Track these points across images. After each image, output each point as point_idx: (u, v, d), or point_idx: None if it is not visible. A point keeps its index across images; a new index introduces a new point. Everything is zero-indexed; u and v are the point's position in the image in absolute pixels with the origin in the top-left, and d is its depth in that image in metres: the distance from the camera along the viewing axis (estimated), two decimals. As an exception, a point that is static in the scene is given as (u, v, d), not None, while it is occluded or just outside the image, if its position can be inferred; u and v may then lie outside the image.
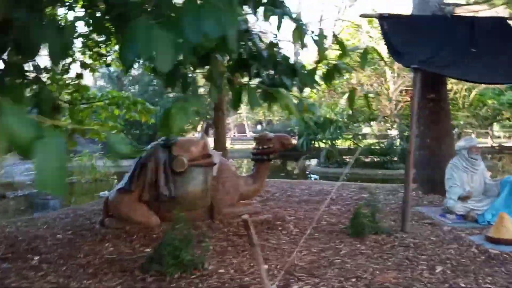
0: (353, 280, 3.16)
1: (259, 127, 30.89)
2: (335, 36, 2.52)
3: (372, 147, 11.29)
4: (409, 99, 12.41)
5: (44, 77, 5.07)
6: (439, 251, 3.69)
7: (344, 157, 11.52)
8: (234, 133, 31.02)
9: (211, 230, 4.66)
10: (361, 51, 2.29)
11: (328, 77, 2.30)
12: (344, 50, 2.23)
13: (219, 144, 7.23)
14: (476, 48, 4.96)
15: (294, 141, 5.24)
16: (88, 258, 3.86)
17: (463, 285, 2.98)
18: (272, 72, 2.59)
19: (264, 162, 5.25)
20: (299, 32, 2.05)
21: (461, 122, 11.93)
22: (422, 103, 6.08)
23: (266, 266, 3.24)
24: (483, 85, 11.50)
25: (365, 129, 13.76)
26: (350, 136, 11.87)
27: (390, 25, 5.34)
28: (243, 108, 27.57)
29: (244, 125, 33.19)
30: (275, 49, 2.52)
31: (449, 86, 11.87)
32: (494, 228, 3.79)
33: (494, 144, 19.84)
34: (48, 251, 4.14)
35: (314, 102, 2.99)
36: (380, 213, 4.40)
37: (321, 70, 2.70)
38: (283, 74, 2.47)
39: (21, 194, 10.16)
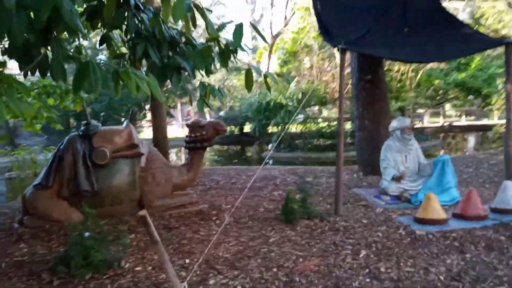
0: (274, 270, 3.02)
1: (221, 113, 30.47)
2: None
3: (323, 130, 11.30)
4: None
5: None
6: (368, 234, 3.62)
7: (296, 141, 11.46)
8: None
9: (139, 224, 4.39)
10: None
11: (223, 59, 2.07)
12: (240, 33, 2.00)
13: (159, 133, 6.90)
14: (408, 27, 4.90)
15: (226, 127, 4.97)
16: (-5, 262, 3.51)
17: (383, 270, 2.90)
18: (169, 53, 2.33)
19: (198, 150, 5.00)
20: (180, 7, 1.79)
21: (407, 103, 12.14)
22: (360, 84, 6.03)
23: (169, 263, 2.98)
24: (429, 66, 11.78)
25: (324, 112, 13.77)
26: (301, 120, 11.81)
27: (323, 4, 5.19)
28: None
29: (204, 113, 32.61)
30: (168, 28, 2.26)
31: (396, 67, 12.05)
32: (422, 208, 3.76)
33: (445, 124, 20.60)
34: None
35: (219, 87, 2.76)
36: (311, 198, 4.28)
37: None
38: (180, 55, 2.21)
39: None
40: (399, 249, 3.25)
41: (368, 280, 2.77)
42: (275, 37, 19.19)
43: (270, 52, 18.21)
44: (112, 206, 4.52)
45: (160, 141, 6.90)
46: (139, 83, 1.46)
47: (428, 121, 22.69)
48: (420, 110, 19.31)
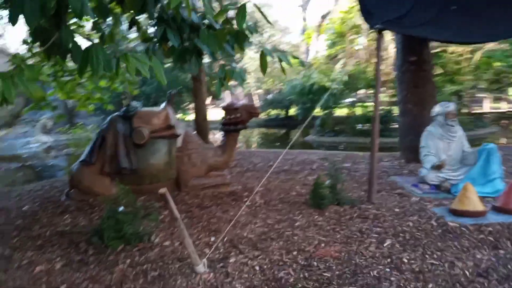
0: (294, 253, 3.03)
1: (269, 96, 30.40)
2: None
3: (369, 114, 10.91)
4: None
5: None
6: (397, 223, 3.50)
7: (341, 126, 11.19)
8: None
9: (175, 202, 4.57)
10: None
11: (238, 42, 2.07)
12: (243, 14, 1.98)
13: (200, 115, 7.07)
14: (457, 4, 4.54)
15: (260, 110, 4.97)
16: (41, 230, 3.84)
17: (405, 260, 2.81)
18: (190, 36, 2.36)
19: (232, 132, 5.07)
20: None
21: (463, 87, 11.27)
22: (404, 66, 5.74)
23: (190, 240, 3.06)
24: (490, 46, 10.84)
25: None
26: (348, 104, 11.46)
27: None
28: (252, 78, 27.15)
29: (251, 95, 32.74)
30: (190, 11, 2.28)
31: (451, 48, 11.24)
32: (457, 199, 3.56)
33: (510, 109, 19.08)
34: (6, 223, 4.15)
35: (241, 69, 2.73)
36: (343, 184, 4.20)
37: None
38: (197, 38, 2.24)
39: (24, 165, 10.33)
40: (428, 241, 3.12)
41: (388, 270, 2.70)
42: (323, 17, 18.64)
43: (318, 33, 17.76)
44: (151, 183, 4.74)
45: (200, 123, 7.08)
46: (138, 66, 1.51)
47: (490, 107, 21.15)
48: (480, 95, 18.02)
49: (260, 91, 32.58)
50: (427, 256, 2.87)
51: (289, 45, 31.05)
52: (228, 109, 5.00)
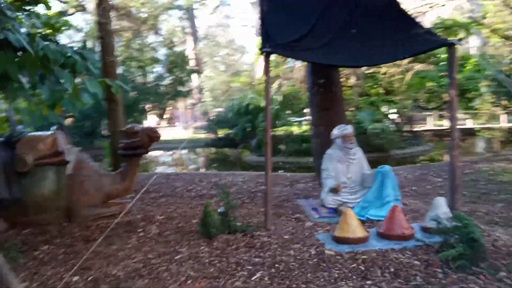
0: (157, 293, 2.79)
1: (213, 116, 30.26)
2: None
3: (305, 134, 10.97)
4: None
5: None
6: (279, 253, 3.34)
7: (281, 145, 11.16)
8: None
9: (61, 234, 4.22)
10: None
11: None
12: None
13: (115, 139, 6.75)
14: (357, 28, 4.60)
15: (160, 134, 4.76)
16: None
17: (266, 296, 2.64)
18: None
19: (132, 157, 4.81)
20: None
21: (398, 106, 11.63)
22: (314, 89, 5.74)
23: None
24: (420, 67, 11.30)
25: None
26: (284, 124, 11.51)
27: (270, 3, 4.91)
28: (208, 96, 26.98)
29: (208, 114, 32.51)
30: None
31: (383, 70, 11.60)
32: (339, 225, 3.47)
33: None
34: None
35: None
36: (236, 210, 4.03)
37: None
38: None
39: None
40: (299, 272, 2.97)
41: (242, 308, 2.51)
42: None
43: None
44: (37, 214, 4.38)
45: (117, 147, 6.74)
46: None
47: (434, 124, 21.87)
48: (427, 113, 18.72)
49: (219, 109, 32.37)
50: (291, 290, 2.72)
51: (246, 64, 31.30)
52: (128, 132, 4.76)
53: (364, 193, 4.40)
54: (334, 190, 4.39)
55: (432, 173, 6.77)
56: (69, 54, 2.37)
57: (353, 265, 3.01)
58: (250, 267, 3.11)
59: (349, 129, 4.56)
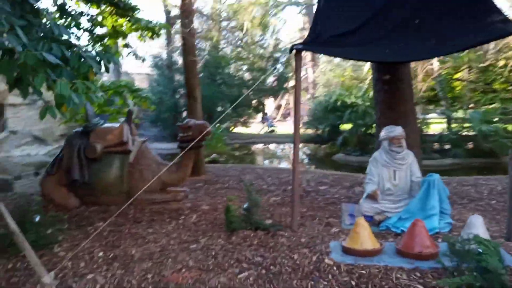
0: (149, 275, 3.02)
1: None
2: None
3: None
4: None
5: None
6: (284, 255, 3.25)
7: (371, 145, 10.51)
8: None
9: (120, 215, 4.80)
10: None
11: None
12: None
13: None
14: (419, 18, 4.12)
15: (209, 128, 4.99)
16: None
17: (237, 295, 2.63)
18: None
19: (187, 150, 5.16)
20: None
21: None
22: (378, 85, 5.30)
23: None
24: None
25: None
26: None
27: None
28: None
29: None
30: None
31: (501, 62, 9.86)
32: (350, 235, 3.20)
33: None
34: None
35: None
36: (258, 207, 4.02)
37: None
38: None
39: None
40: (287, 277, 2.87)
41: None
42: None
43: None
44: (103, 196, 5.05)
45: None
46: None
47: None
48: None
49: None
50: (269, 293, 2.65)
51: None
52: (182, 127, 5.13)
53: (406, 203, 3.95)
54: (371, 197, 4.04)
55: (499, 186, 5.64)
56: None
57: (345, 279, 2.78)
58: (245, 265, 3.12)
59: (397, 130, 4.12)
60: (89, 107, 5.28)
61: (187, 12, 7.13)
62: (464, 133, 9.90)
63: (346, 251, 3.11)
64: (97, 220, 4.59)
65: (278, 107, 31.64)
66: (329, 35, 4.09)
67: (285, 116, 32.11)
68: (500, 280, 2.37)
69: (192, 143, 5.00)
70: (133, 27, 6.81)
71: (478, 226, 2.99)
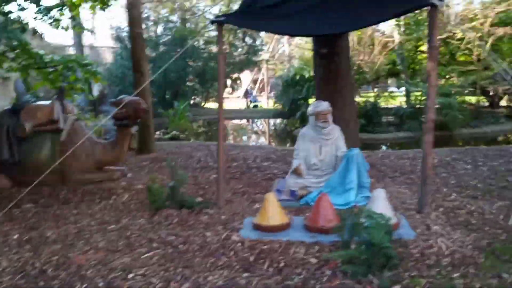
0: (55, 257, 2.97)
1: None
2: None
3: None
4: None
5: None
6: (197, 233, 3.27)
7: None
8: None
9: (50, 195, 4.72)
10: None
11: None
12: None
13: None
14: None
15: (145, 107, 4.89)
16: None
17: (140, 274, 2.62)
18: None
19: (122, 128, 5.05)
20: None
21: (474, 78, 9.84)
22: (316, 60, 5.25)
23: None
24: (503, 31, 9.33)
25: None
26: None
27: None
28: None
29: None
30: None
31: (459, 35, 9.94)
32: (259, 211, 3.22)
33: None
34: None
35: None
36: (185, 184, 4.01)
37: None
38: None
39: None
40: (192, 255, 2.88)
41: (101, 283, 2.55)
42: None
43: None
44: (35, 175, 4.92)
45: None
46: None
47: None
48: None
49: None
50: (170, 272, 2.65)
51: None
52: (116, 103, 4.99)
53: (328, 178, 3.99)
54: (295, 172, 4.06)
55: (468, 158, 5.79)
56: None
57: (245, 255, 2.81)
58: (155, 245, 3.11)
59: (322, 106, 4.11)
60: (19, 84, 5.07)
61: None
62: (421, 107, 10.04)
63: (255, 227, 3.14)
64: (25, 202, 4.49)
65: (255, 82, 31.35)
66: (260, 5, 3.96)
67: (261, 90, 31.89)
68: (384, 253, 2.42)
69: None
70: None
71: (380, 199, 3.04)
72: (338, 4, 3.71)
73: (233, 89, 29.73)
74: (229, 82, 18.19)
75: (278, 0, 3.99)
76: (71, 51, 17.57)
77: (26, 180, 4.90)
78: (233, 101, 23.47)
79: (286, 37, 25.17)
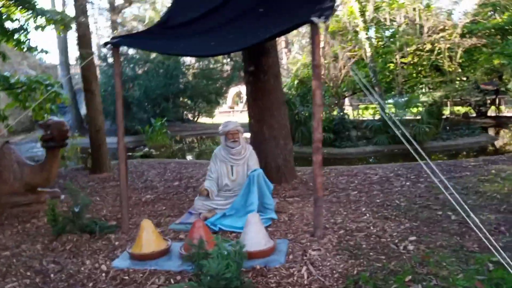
0: None
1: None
2: None
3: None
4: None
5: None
6: (77, 261, 3.17)
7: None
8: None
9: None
10: None
11: None
12: None
13: (92, 126, 7.13)
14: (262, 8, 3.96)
15: (68, 128, 4.89)
16: None
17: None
18: None
19: (50, 149, 5.04)
20: None
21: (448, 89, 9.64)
22: (245, 77, 5.20)
23: None
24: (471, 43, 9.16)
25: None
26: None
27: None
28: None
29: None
30: None
31: (428, 46, 9.78)
32: (136, 239, 3.12)
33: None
34: None
35: None
36: (87, 208, 3.94)
37: None
38: None
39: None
40: (53, 285, 2.79)
41: None
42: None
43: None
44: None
45: (93, 135, 7.14)
46: None
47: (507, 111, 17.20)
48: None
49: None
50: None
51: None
52: (43, 125, 4.99)
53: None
54: (200, 194, 3.96)
55: (412, 173, 5.61)
56: None
57: (103, 286, 2.70)
58: (28, 274, 3.03)
59: (230, 125, 4.03)
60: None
61: (79, 2, 6.93)
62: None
63: (130, 255, 3.03)
64: None
65: (239, 95, 31.28)
66: (177, 22, 3.93)
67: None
68: (225, 284, 2.30)
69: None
70: (43, 20, 6.67)
71: (252, 224, 2.91)
72: (234, 26, 3.67)
73: (237, 104, 29.86)
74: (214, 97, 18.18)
75: (186, 20, 3.99)
76: (60, 70, 17.79)
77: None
78: (236, 115, 23.36)
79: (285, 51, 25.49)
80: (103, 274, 2.86)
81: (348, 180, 5.36)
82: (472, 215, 2.64)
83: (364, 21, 10.14)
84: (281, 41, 21.77)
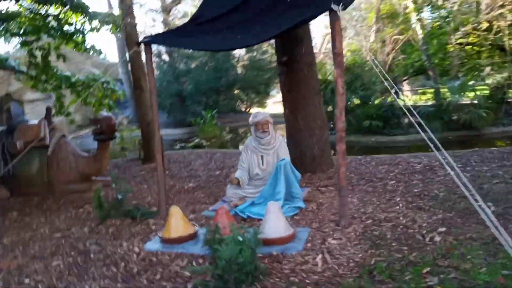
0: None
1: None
2: None
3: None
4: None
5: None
6: (117, 244, 3.45)
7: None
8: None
9: (35, 204, 5.25)
10: None
11: None
12: None
13: (143, 121, 7.54)
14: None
15: (115, 121, 5.28)
16: None
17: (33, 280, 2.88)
18: None
19: (101, 142, 5.46)
20: None
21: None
22: (279, 68, 5.21)
23: None
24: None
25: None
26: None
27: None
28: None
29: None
30: None
31: (485, 25, 8.97)
32: (166, 225, 3.32)
33: None
34: None
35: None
36: (128, 194, 4.24)
37: None
38: None
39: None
40: (91, 264, 3.07)
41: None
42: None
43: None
44: (27, 187, 5.51)
45: (144, 129, 7.55)
46: None
47: None
48: None
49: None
50: (59, 280, 2.87)
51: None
52: (94, 120, 5.42)
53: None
54: (231, 182, 4.09)
55: (460, 162, 5.30)
56: None
57: (131, 266, 2.93)
58: (73, 253, 3.36)
59: (260, 116, 4.11)
60: (14, 107, 5.70)
61: (126, 3, 7.33)
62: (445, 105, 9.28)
63: (160, 239, 3.25)
64: (13, 210, 5.05)
65: None
66: (205, 19, 4.07)
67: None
68: (240, 268, 2.40)
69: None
70: (97, 22, 7.20)
71: (272, 212, 2.97)
72: (258, 19, 3.71)
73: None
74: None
75: (213, 16, 4.09)
76: (120, 67, 18.78)
77: (21, 191, 5.54)
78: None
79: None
80: (135, 255, 3.10)
81: (388, 169, 5.21)
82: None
83: (415, 2, 9.62)
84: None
